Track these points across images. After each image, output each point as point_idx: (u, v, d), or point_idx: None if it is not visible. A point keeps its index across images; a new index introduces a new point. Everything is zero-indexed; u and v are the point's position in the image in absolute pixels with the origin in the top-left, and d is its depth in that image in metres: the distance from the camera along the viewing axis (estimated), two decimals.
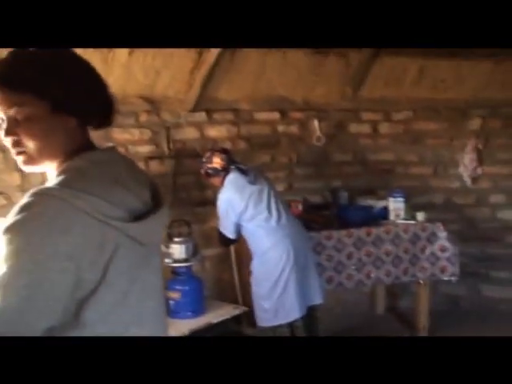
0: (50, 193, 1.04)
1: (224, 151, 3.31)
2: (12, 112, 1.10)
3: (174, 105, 3.60)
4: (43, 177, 1.18)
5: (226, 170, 3.21)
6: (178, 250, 3.23)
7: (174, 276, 3.23)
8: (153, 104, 3.54)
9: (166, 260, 3.21)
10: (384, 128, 4.46)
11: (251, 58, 3.75)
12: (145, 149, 3.53)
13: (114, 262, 1.09)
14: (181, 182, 3.65)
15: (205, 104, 3.76)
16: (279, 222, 3.15)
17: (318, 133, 4.17)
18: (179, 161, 3.65)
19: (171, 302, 3.15)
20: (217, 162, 3.21)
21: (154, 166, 3.55)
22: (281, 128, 4.13)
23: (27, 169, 1.17)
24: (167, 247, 3.22)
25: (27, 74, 1.09)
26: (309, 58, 3.97)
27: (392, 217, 3.97)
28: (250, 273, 3.28)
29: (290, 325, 3.16)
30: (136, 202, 1.17)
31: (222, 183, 3.23)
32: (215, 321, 3.19)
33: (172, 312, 3.13)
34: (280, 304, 3.09)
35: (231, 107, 3.92)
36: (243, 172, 3.21)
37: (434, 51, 3.83)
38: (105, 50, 3.14)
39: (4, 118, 1.12)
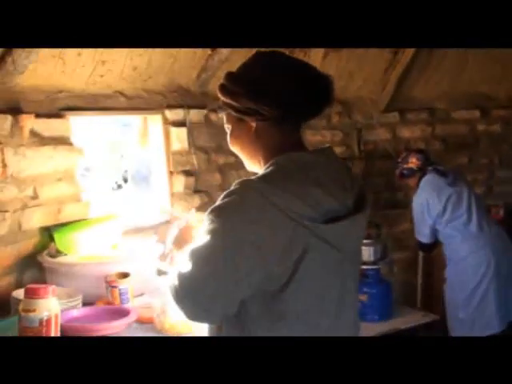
0: (251, 184, 1.15)
1: (420, 151, 3.24)
2: (225, 125, 1.33)
3: (367, 106, 3.58)
4: (240, 177, 1.32)
5: (422, 171, 3.14)
6: (366, 252, 3.21)
7: (361, 278, 3.22)
8: (345, 106, 3.56)
9: None
10: None
11: (450, 54, 3.56)
12: (336, 150, 3.53)
13: (305, 263, 1.13)
14: (371, 184, 3.62)
15: (398, 104, 3.66)
16: (479, 228, 2.99)
17: None
18: (370, 162, 3.61)
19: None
20: (413, 161, 3.16)
21: None
22: (481, 127, 3.85)
23: (248, 169, 1.36)
24: None
25: (225, 90, 1.27)
26: None
27: None
28: (444, 280, 3.14)
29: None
30: (335, 206, 1.18)
31: (417, 185, 3.15)
32: (403, 327, 3.11)
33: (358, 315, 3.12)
34: (477, 315, 2.91)
35: (426, 106, 3.76)
36: (441, 173, 3.09)
37: None
38: (300, 55, 3.24)
39: None
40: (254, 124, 1.25)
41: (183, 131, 2.86)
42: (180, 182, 2.89)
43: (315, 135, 3.49)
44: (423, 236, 3.14)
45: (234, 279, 1.12)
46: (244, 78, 1.25)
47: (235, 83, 1.25)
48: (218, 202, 1.16)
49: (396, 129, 3.72)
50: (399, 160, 3.23)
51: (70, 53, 2.33)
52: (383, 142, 3.63)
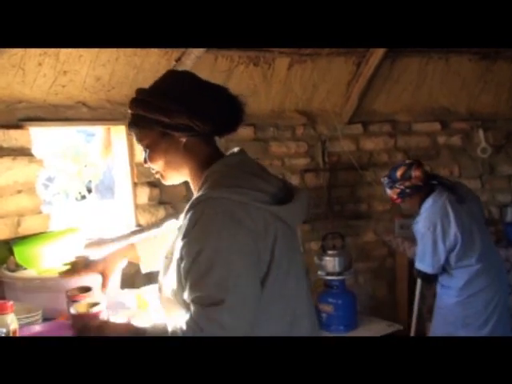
0: (210, 195, 1.18)
1: (418, 162, 2.69)
2: (141, 145, 1.36)
3: (331, 118, 3.61)
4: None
5: (427, 187, 2.63)
6: (331, 262, 3.22)
7: (326, 289, 3.24)
8: (309, 117, 3.59)
9: (319, 272, 3.23)
10: None
11: (411, 67, 3.64)
12: (301, 161, 3.59)
13: (277, 244, 1.21)
14: (335, 195, 3.65)
15: (361, 116, 3.72)
16: (488, 255, 2.62)
17: (483, 143, 3.90)
18: (334, 173, 3.65)
19: (323, 315, 3.16)
20: (417, 176, 2.61)
21: (310, 179, 3.60)
22: (441, 139, 3.93)
23: (166, 183, 1.40)
24: (320, 259, 3.23)
25: (139, 112, 1.31)
26: (474, 65, 3.75)
27: None
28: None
29: None
30: (274, 189, 1.28)
31: (419, 205, 2.65)
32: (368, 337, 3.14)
33: (324, 325, 3.14)
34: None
35: (388, 118, 3.83)
36: (450, 188, 2.64)
37: None
38: (265, 66, 3.26)
39: None
40: (183, 139, 1.29)
41: None
42: (145, 193, 2.87)
43: (280, 147, 3.52)
44: (428, 266, 2.61)
45: (255, 291, 1.17)
46: (171, 94, 1.28)
47: (163, 99, 1.27)
48: (194, 230, 1.16)
49: (360, 140, 3.77)
50: (397, 178, 2.65)
51: (31, 62, 2.29)
52: (347, 153, 3.68)
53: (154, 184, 2.88)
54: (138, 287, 2.16)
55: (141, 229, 2.81)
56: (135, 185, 2.86)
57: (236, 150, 1.37)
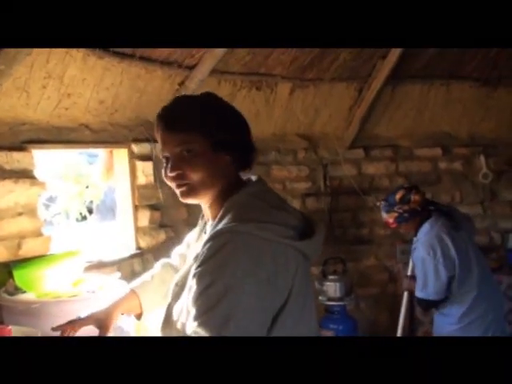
0: (235, 229, 1.14)
1: (417, 187, 2.67)
2: (180, 149, 1.23)
3: (332, 142, 3.63)
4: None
5: (425, 212, 2.61)
6: (332, 287, 3.21)
7: (327, 314, 3.21)
8: (311, 142, 3.61)
9: (320, 297, 3.21)
10: None
11: (413, 93, 3.67)
12: (302, 185, 3.60)
13: (297, 278, 1.18)
14: (337, 219, 3.64)
15: (363, 141, 3.73)
16: (486, 279, 2.59)
17: (485, 169, 3.91)
18: (336, 198, 3.65)
19: None
20: (416, 200, 2.59)
21: (311, 203, 3.60)
22: (443, 165, 3.94)
23: (186, 200, 1.26)
24: (322, 285, 3.22)
25: (194, 115, 1.24)
26: (475, 91, 3.78)
27: None
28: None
29: None
30: (296, 222, 1.23)
31: (415, 230, 2.63)
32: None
33: None
34: None
35: (390, 143, 3.85)
36: (446, 214, 2.61)
37: None
38: (267, 91, 3.29)
39: (169, 155, 1.25)
40: (228, 157, 1.25)
41: (149, 165, 2.84)
42: (145, 216, 2.86)
43: (281, 170, 3.53)
44: (431, 293, 2.53)
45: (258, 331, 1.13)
46: (226, 112, 1.28)
47: (219, 114, 1.26)
48: (210, 261, 1.12)
49: (361, 165, 3.78)
50: (395, 201, 2.62)
51: (35, 85, 2.30)
52: (348, 177, 3.68)
53: (155, 207, 2.88)
54: None
55: (141, 252, 2.80)
56: (136, 207, 2.85)
57: (254, 178, 1.31)
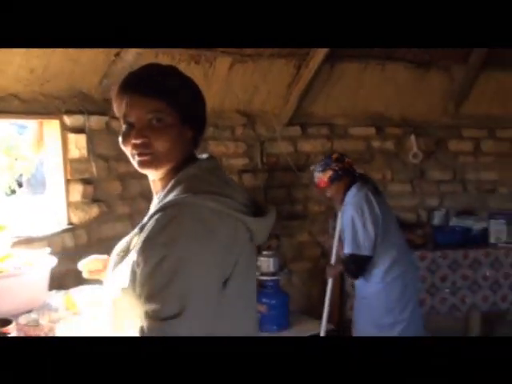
0: (185, 200, 1.12)
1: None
2: (150, 116, 1.19)
3: (270, 119, 3.65)
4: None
5: (353, 175, 2.92)
6: (265, 263, 3.27)
7: (260, 289, 3.27)
8: (249, 118, 3.61)
9: None
10: (487, 146, 4.24)
11: (350, 73, 3.73)
12: (239, 162, 3.61)
13: (242, 257, 1.17)
14: (272, 196, 3.69)
15: (300, 118, 3.78)
16: (402, 243, 2.96)
17: (415, 149, 4.05)
18: (272, 174, 3.69)
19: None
20: (349, 162, 2.93)
21: (247, 179, 3.62)
22: (376, 144, 4.05)
23: (144, 169, 1.23)
24: (256, 260, 3.26)
25: (170, 85, 1.22)
26: (409, 73, 3.88)
27: (492, 240, 3.86)
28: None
29: None
30: (245, 200, 1.24)
31: (343, 193, 2.89)
32: (300, 336, 3.19)
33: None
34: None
35: (326, 122, 3.91)
36: (368, 180, 2.98)
37: None
38: (206, 65, 3.25)
39: (135, 121, 1.20)
40: (191, 132, 1.26)
41: (82, 138, 2.75)
42: (78, 190, 2.78)
43: (219, 146, 3.52)
44: (364, 248, 2.77)
45: (214, 303, 1.12)
46: (184, 85, 1.27)
47: (179, 89, 1.24)
48: (161, 234, 1.09)
49: (298, 143, 3.83)
50: (331, 161, 2.89)
51: None
52: (285, 155, 3.72)
53: (88, 181, 2.81)
54: (66, 288, 2.10)
55: (72, 227, 2.73)
56: (68, 181, 2.77)
57: (204, 155, 1.30)
